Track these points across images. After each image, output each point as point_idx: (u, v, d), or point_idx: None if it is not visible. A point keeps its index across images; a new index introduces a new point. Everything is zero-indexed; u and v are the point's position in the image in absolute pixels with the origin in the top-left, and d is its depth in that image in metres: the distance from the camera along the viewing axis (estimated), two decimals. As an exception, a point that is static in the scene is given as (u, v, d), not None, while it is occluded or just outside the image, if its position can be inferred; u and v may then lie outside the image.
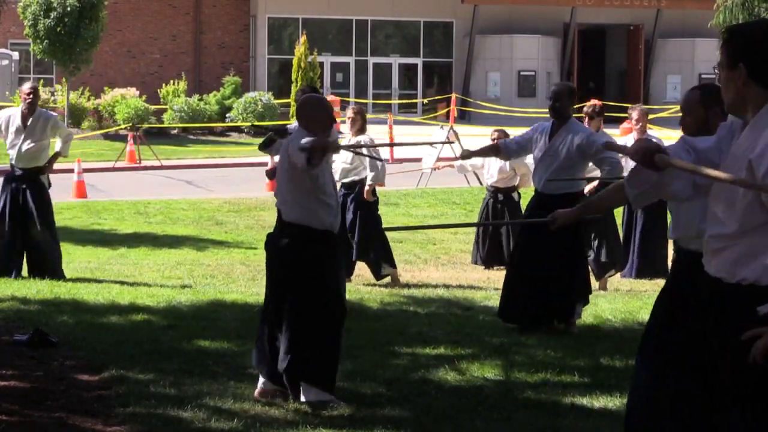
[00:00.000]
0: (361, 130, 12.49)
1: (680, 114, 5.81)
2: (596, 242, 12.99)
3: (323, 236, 7.39)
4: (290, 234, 7.39)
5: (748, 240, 4.20)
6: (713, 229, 4.34)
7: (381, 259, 12.87)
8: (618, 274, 13.71)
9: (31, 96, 12.55)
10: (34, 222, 12.57)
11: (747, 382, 4.14)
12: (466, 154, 10.20)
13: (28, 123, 12.51)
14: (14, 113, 12.61)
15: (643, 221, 13.60)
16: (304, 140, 7.15)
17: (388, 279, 13.22)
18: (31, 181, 12.70)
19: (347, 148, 10.68)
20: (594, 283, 13.21)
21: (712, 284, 4.35)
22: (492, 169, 14.23)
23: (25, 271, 12.72)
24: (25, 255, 12.69)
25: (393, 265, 13.06)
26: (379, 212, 12.97)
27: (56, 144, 12.85)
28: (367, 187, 12.47)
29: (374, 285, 12.79)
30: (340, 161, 12.42)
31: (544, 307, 10.07)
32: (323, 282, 7.37)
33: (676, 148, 4.55)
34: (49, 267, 12.67)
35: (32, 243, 12.60)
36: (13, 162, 12.63)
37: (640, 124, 13.46)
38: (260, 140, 10.58)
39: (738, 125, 4.36)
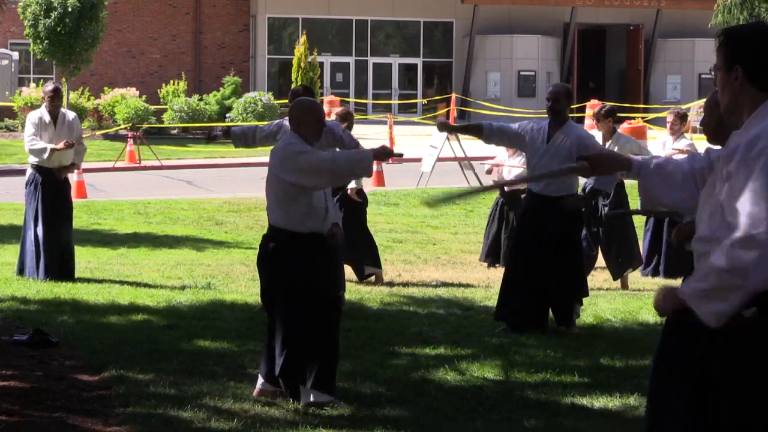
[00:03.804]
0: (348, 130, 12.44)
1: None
2: (613, 242, 12.96)
3: (310, 239, 7.38)
4: (277, 237, 7.41)
5: None
6: (699, 232, 4.32)
7: (365, 261, 12.82)
8: (638, 272, 13.67)
9: (53, 96, 12.57)
10: (65, 221, 12.67)
11: (736, 386, 4.12)
12: (443, 127, 10.20)
13: (57, 123, 12.58)
14: (42, 114, 12.59)
15: (669, 220, 13.57)
16: (372, 152, 7.49)
17: (388, 279, 13.21)
18: (63, 180, 12.82)
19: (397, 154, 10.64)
20: (614, 283, 13.23)
21: None
22: (504, 171, 14.21)
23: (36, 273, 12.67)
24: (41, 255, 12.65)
25: (378, 266, 13.03)
26: (366, 214, 12.88)
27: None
28: (349, 190, 12.39)
29: (374, 285, 12.79)
30: None
31: (542, 309, 10.07)
32: (313, 283, 7.37)
33: (698, 156, 4.65)
34: (73, 266, 12.74)
35: (64, 242, 12.64)
36: (44, 163, 12.57)
37: (675, 127, 13.32)
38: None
39: None
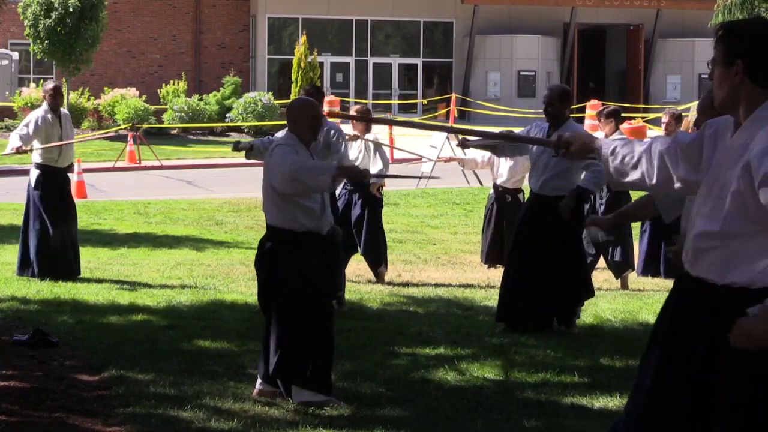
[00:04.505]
0: (366, 130, 12.50)
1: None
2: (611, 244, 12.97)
3: (307, 238, 7.38)
4: (274, 236, 7.42)
5: (740, 241, 4.14)
6: (701, 227, 4.28)
7: (381, 256, 12.90)
8: (635, 273, 13.67)
9: (55, 93, 12.63)
10: (72, 219, 12.72)
11: (738, 384, 4.11)
12: (464, 142, 10.53)
13: (62, 121, 12.68)
14: (43, 114, 12.59)
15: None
16: (336, 167, 7.33)
17: (388, 278, 13.22)
18: (67, 179, 12.92)
19: (376, 176, 10.56)
20: (615, 283, 13.23)
21: (696, 285, 4.29)
22: (501, 169, 14.21)
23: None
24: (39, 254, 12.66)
25: (385, 265, 13.07)
26: (382, 210, 12.97)
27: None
28: (371, 186, 12.46)
29: (374, 285, 12.79)
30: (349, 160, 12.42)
31: (544, 309, 10.07)
32: (308, 283, 7.37)
33: (662, 139, 4.60)
34: (79, 264, 12.77)
35: (72, 241, 12.68)
36: (51, 162, 12.61)
37: (671, 128, 13.30)
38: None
39: (728, 124, 4.33)
